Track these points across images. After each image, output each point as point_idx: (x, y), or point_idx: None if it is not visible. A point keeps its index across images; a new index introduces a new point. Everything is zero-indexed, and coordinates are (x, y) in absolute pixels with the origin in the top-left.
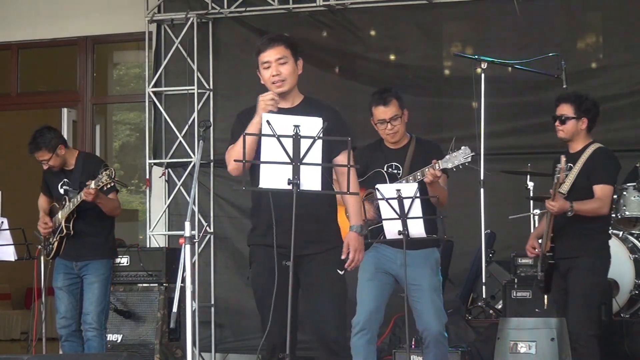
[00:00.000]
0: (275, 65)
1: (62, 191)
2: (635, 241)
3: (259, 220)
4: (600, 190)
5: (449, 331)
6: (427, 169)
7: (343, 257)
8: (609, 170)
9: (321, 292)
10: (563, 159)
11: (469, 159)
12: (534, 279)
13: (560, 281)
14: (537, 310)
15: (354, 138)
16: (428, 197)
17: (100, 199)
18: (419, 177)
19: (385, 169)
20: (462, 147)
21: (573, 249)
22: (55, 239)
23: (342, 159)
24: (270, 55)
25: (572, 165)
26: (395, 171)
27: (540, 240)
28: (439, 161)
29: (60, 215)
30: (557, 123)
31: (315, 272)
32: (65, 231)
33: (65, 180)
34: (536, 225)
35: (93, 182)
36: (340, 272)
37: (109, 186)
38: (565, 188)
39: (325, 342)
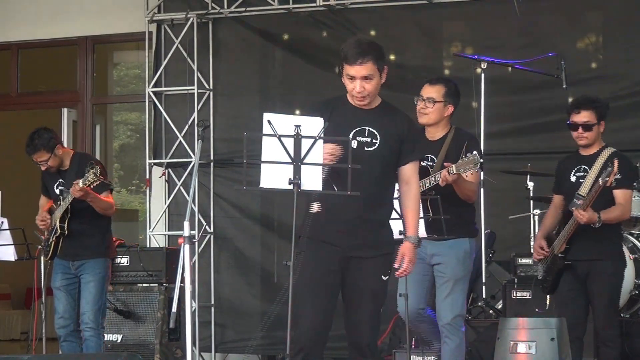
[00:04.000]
0: (361, 82)
1: (58, 192)
2: (635, 241)
3: (316, 216)
4: (622, 194)
5: None
6: (439, 174)
7: (396, 265)
8: (628, 175)
9: (364, 296)
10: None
11: (478, 166)
12: (533, 279)
13: (573, 281)
14: (537, 309)
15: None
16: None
17: (91, 198)
18: (432, 182)
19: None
20: (474, 153)
21: (591, 252)
22: (51, 240)
23: (409, 168)
24: (357, 72)
25: (587, 167)
26: (430, 163)
27: (543, 240)
28: (453, 165)
29: (55, 216)
30: (579, 130)
31: (363, 276)
32: (59, 231)
33: (61, 180)
34: (536, 225)
35: (81, 180)
36: (384, 277)
37: (94, 184)
38: (584, 191)
39: (359, 345)
